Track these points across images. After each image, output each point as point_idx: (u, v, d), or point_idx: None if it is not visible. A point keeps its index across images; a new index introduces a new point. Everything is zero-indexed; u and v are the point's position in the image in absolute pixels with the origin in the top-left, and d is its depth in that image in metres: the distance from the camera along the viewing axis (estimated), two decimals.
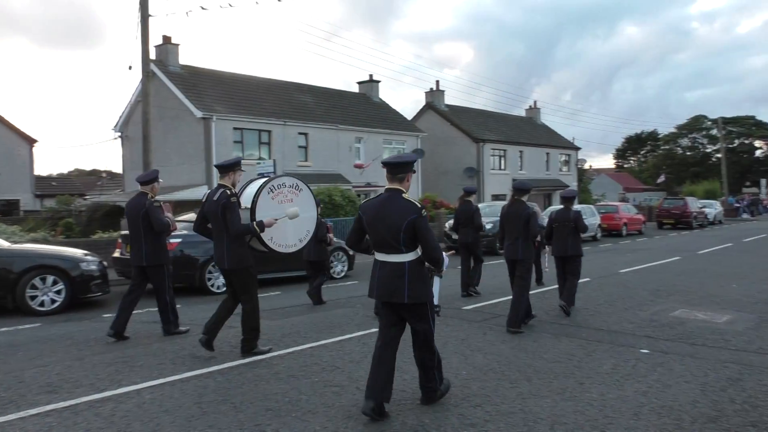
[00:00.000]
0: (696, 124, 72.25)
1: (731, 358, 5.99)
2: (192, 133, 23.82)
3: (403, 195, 4.42)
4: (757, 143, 69.88)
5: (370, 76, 34.75)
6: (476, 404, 4.70)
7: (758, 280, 11.48)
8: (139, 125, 20.55)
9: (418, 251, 4.34)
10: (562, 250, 8.54)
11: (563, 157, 43.85)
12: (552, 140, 43.50)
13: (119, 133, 27.67)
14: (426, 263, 4.37)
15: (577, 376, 5.43)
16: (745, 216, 42.48)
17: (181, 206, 18.84)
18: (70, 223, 23.07)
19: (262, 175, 6.25)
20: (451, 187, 33.83)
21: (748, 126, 68.46)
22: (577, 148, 45.80)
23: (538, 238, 8.40)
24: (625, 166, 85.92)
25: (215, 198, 5.95)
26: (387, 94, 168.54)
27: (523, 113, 47.30)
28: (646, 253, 17.31)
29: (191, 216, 12.03)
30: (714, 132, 67.93)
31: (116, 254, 11.88)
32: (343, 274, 13.37)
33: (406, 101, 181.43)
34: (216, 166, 6.23)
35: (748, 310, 8.46)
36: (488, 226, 16.81)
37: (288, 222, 6.22)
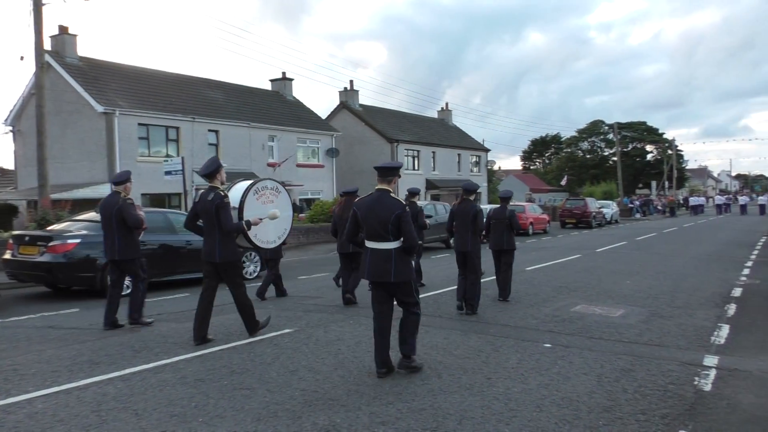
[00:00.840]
0: (594, 128, 76.56)
1: (624, 350, 6.40)
2: (93, 129, 22.55)
3: (391, 194, 5.43)
4: (648, 147, 75.01)
5: (283, 73, 34.32)
6: (388, 402, 4.75)
7: (649, 276, 12.34)
8: (32, 119, 19.27)
9: (399, 240, 5.32)
10: (498, 245, 9.40)
11: (474, 158, 45.18)
12: (463, 141, 44.72)
13: (11, 128, 25.77)
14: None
15: (485, 371, 5.61)
16: (638, 216, 45.49)
17: (80, 205, 17.77)
18: None
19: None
20: (366, 187, 33.92)
21: (640, 131, 73.30)
22: (487, 150, 47.36)
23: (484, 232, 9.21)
24: (531, 167, 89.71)
25: (209, 198, 6.60)
26: (301, 92, 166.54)
27: (435, 115, 48.36)
28: (550, 252, 18.18)
29: (92, 215, 11.41)
30: (611, 136, 72.26)
31: (7, 256, 11.04)
32: (255, 274, 13.12)
33: (320, 100, 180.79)
34: (202, 175, 6.77)
35: (639, 305, 9.07)
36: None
37: (269, 221, 7.18)
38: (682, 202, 57.82)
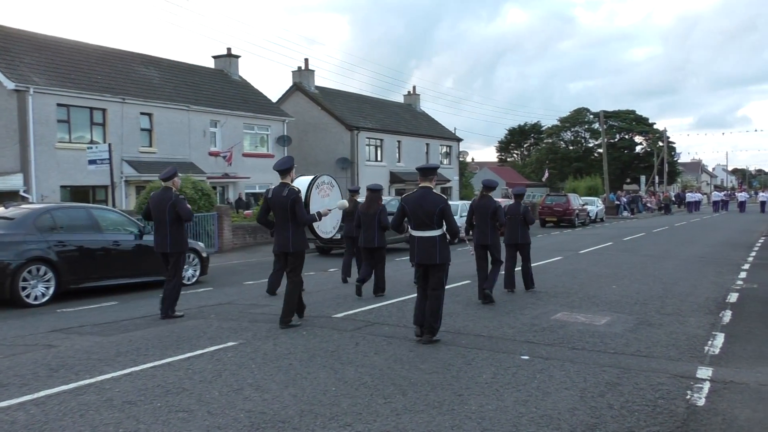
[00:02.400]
0: (578, 117, 78.05)
1: (610, 361, 6.53)
2: (1, 109, 21.88)
3: (433, 190, 7.36)
4: (637, 139, 76.81)
5: (228, 49, 33.95)
6: (346, 423, 4.73)
7: (636, 280, 12.61)
8: None
9: (444, 229, 7.25)
10: (513, 239, 11.12)
11: (444, 149, 45.53)
12: (432, 130, 45.01)
13: None
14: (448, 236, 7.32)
15: (455, 387, 5.64)
16: (625, 214, 46.50)
17: None
18: None
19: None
20: None
21: (628, 121, 75.01)
22: (459, 140, 47.79)
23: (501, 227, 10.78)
24: (508, 159, 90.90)
25: (284, 194, 8.11)
26: (248, 71, 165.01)
27: (401, 99, 48.55)
28: None
29: (1, 210, 11.07)
30: (596, 126, 73.74)
31: None
32: (194, 279, 12.93)
33: (270, 81, 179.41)
34: (277, 170, 8.31)
35: (626, 312, 9.26)
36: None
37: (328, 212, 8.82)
38: (674, 199, 59.37)
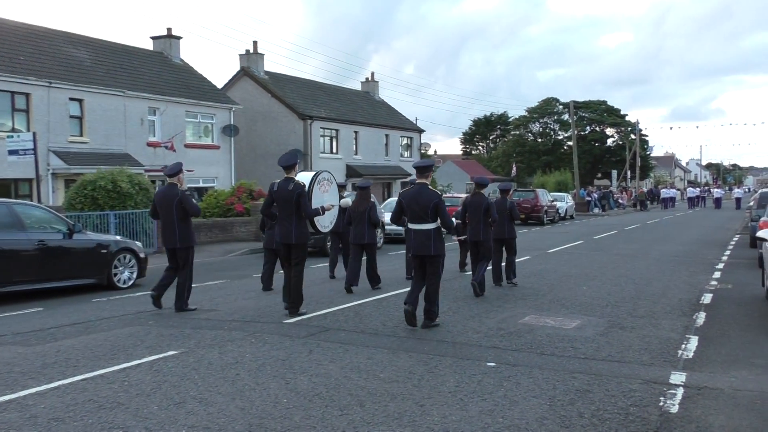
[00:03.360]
0: (547, 107, 79.15)
1: (580, 367, 6.65)
2: None
3: (428, 186, 8.50)
4: (609, 131, 78.29)
5: (169, 30, 33.43)
6: None
7: (607, 281, 12.88)
8: None
9: (438, 222, 8.35)
10: (500, 234, 12.15)
11: (405, 140, 45.70)
12: (392, 120, 45.12)
13: None
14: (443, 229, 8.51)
15: (417, 396, 5.67)
16: (596, 210, 47.40)
17: None
18: None
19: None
20: (272, 173, 33.61)
21: (600, 112, 76.43)
22: (421, 131, 48.04)
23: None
24: (473, 152, 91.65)
25: (289, 188, 9.15)
26: (191, 54, 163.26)
27: (358, 86, 48.54)
28: None
29: None
30: (566, 117, 74.89)
31: None
32: (131, 282, 12.72)
33: (215, 65, 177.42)
34: (282, 166, 9.31)
35: (597, 314, 9.45)
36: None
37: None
38: (647, 194, 60.72)
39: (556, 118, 79.44)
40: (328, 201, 9.87)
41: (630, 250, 19.05)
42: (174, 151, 27.94)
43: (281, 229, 9.34)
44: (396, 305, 10.10)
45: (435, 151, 72.91)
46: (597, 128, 77.39)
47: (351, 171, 38.03)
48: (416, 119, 52.57)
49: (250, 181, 26.27)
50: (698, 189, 65.48)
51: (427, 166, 8.68)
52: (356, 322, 8.90)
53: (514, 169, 60.17)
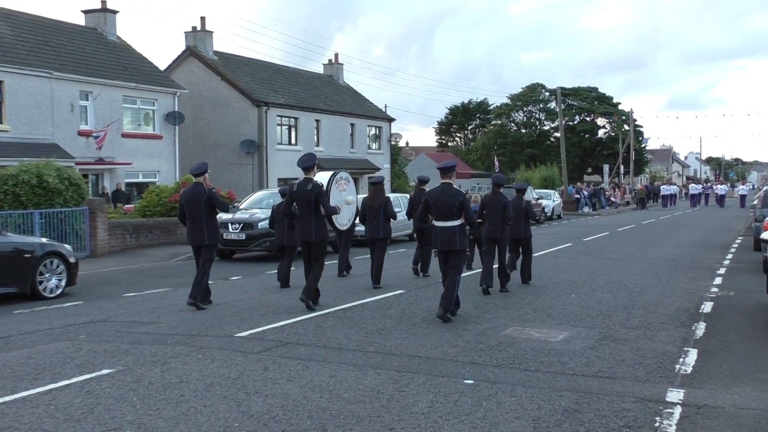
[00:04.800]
0: (532, 94, 79.78)
1: (567, 384, 6.71)
2: None
3: (453, 186, 10.13)
4: (600, 121, 79.11)
5: (103, 2, 33.05)
6: None
7: (598, 288, 13.02)
8: None
9: (462, 219, 9.90)
10: (516, 233, 13.47)
11: (373, 130, 45.75)
12: (359, 107, 45.15)
13: None
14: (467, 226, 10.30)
15: (386, 419, 5.68)
16: (586, 209, 47.78)
17: None
18: None
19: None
20: (222, 167, 33.44)
21: (590, 100, 77.24)
22: (391, 119, 48.10)
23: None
24: (450, 144, 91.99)
25: (309, 188, 10.72)
26: (128, 31, 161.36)
27: (320, 69, 48.43)
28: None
29: None
30: (552, 105, 75.56)
31: None
32: (59, 291, 12.54)
33: (157, 43, 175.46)
34: (301, 167, 10.87)
35: (587, 325, 9.55)
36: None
37: (346, 206, 11.80)
38: (633, 191, 61.44)
39: (541, 106, 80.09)
40: (346, 199, 11.86)
41: (623, 254, 19.27)
42: (99, 148, 27.32)
43: (301, 228, 10.96)
44: (362, 316, 10.11)
45: (407, 143, 72.95)
46: (587, 118, 78.18)
47: None
48: (386, 107, 52.53)
49: None
50: (701, 186, 66.47)
51: (450, 166, 10.33)
52: (317, 335, 8.88)
53: (496, 163, 60.56)
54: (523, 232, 13.65)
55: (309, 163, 10.92)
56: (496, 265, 12.71)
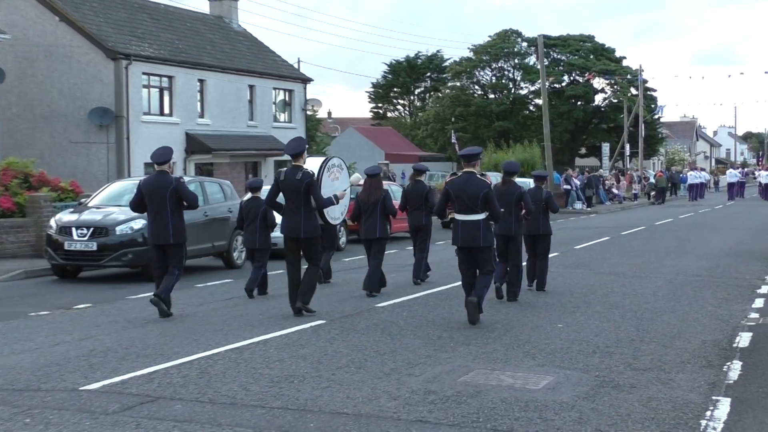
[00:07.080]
0: (504, 45, 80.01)
1: None
2: None
3: (477, 175, 12.09)
4: (598, 84, 79.58)
5: None
6: None
7: (595, 314, 13.14)
8: None
9: (486, 213, 11.94)
10: (534, 229, 15.30)
11: (281, 94, 45.46)
12: (261, 63, 44.86)
13: None
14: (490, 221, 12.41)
15: None
16: (579, 205, 47.76)
17: None
18: None
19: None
20: (62, 147, 32.82)
21: (584, 52, 77.97)
22: (307, 80, 47.83)
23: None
24: (390, 114, 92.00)
25: (298, 177, 12.38)
26: None
27: (206, 8, 47.93)
28: None
29: None
30: (532, 61, 76.23)
31: None
32: None
33: None
34: (289, 155, 12.85)
35: (579, 367, 9.61)
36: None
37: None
38: (644, 179, 62.33)
39: (517, 61, 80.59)
40: (340, 189, 13.46)
41: (629, 267, 19.50)
42: None
43: (289, 221, 12.64)
44: (265, 357, 10.02)
45: (329, 113, 73.06)
46: (579, 78, 78.58)
47: (193, 143, 37.42)
48: (299, 61, 52.40)
49: (26, 160, 25.54)
50: (740, 171, 67.59)
51: (474, 154, 12.23)
52: (201, 385, 8.77)
53: (454, 140, 60.56)
54: (542, 228, 15.50)
55: (297, 150, 12.63)
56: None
